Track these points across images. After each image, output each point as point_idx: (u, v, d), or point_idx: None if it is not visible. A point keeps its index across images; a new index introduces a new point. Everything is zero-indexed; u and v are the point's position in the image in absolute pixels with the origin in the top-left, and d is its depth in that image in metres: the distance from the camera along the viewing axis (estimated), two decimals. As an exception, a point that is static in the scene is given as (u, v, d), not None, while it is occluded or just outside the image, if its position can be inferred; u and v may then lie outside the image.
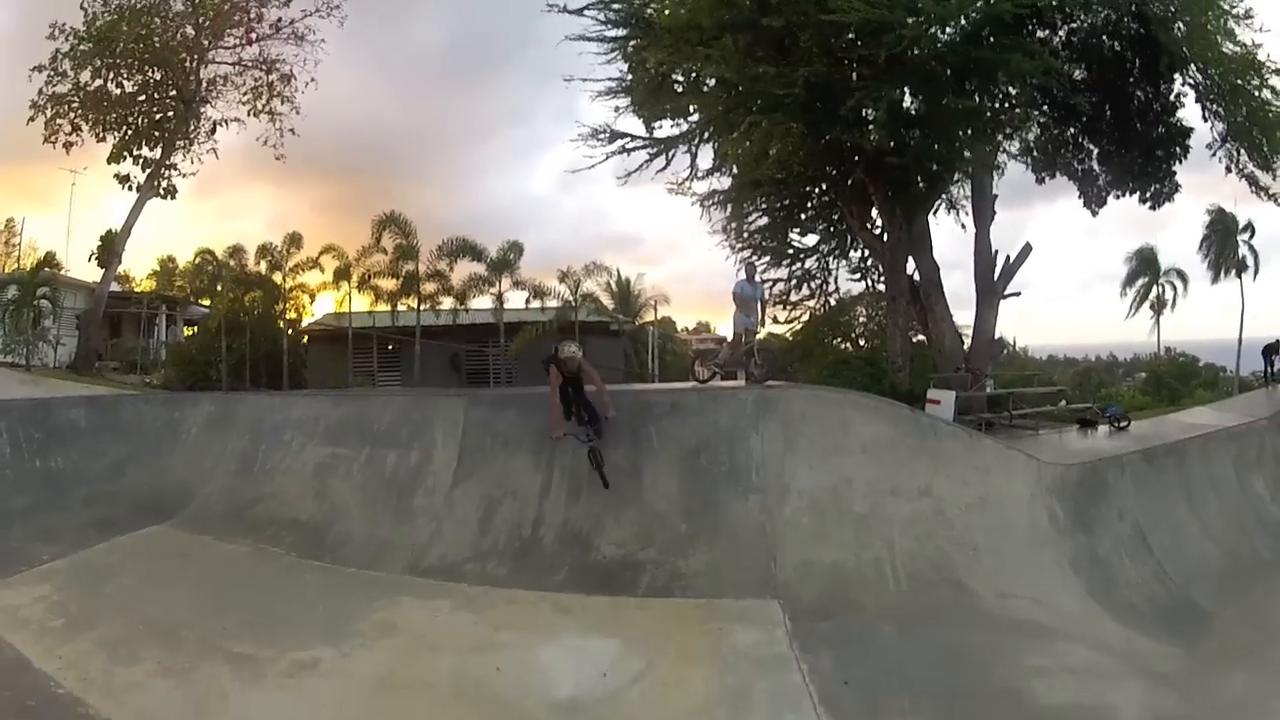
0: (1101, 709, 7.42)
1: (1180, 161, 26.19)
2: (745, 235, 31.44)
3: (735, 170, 28.74)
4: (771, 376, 14.90)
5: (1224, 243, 37.81)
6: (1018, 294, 27.51)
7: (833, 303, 32.74)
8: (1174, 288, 41.65)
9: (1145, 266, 41.68)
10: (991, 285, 26.95)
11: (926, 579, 10.23)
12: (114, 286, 38.36)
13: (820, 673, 7.63)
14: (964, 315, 28.14)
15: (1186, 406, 27.15)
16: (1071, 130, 26.29)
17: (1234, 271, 38.10)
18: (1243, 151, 25.90)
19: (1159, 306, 41.60)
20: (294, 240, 34.60)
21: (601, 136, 28.28)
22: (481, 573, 11.08)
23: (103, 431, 16.26)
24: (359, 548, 12.21)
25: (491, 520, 12.09)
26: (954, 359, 25.60)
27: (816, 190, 29.42)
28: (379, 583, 10.97)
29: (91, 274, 38.16)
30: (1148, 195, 26.99)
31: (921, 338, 29.07)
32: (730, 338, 16.40)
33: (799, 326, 33.19)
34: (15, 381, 26.56)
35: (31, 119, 35.82)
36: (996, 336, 28.15)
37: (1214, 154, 26.38)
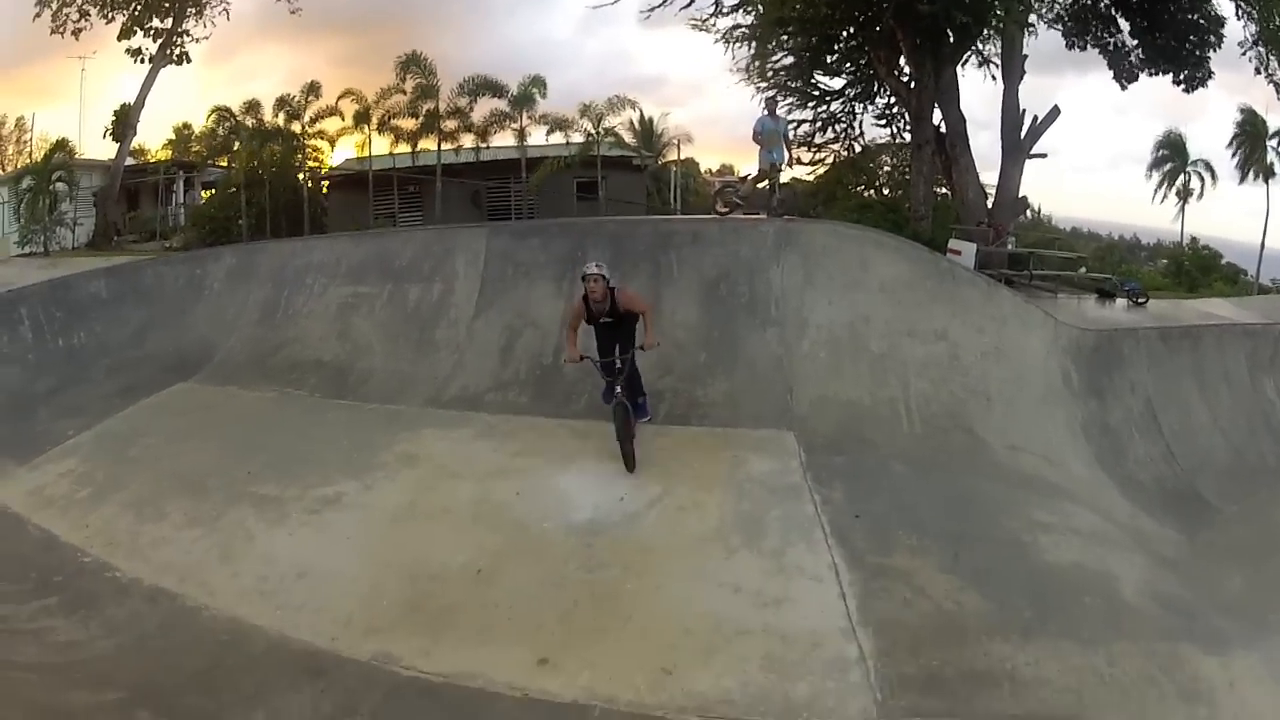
0: (1104, 575, 7.37)
1: (1214, 50, 25.73)
2: (770, 74, 30.65)
3: (760, 6, 28.02)
4: (790, 214, 14.70)
5: (1254, 145, 36.99)
6: (1044, 155, 27.16)
7: (857, 149, 31.97)
8: (1201, 179, 40.81)
9: (1174, 152, 40.77)
10: (1018, 143, 26.48)
11: (939, 424, 10.20)
12: (129, 160, 38.32)
13: (832, 504, 7.69)
14: (989, 176, 27.70)
15: (1205, 297, 26.74)
16: (1104, 2, 25.76)
17: (1261, 175, 37.44)
18: (1273, 58, 25.60)
19: (1185, 194, 40.87)
20: (312, 89, 34.15)
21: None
22: (502, 401, 11.22)
23: (124, 300, 16.27)
24: (381, 384, 12.35)
25: (513, 350, 12.20)
26: (976, 213, 25.30)
27: (844, 33, 28.57)
28: (401, 416, 11.08)
29: (106, 152, 38.05)
30: (1180, 77, 26.50)
31: (944, 190, 28.74)
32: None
33: (822, 171, 32.62)
34: (35, 268, 26.25)
35: (38, 15, 35.29)
36: (1020, 195, 27.73)
37: (1244, 53, 26.11)
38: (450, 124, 33.22)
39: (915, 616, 5.99)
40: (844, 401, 10.13)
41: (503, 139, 34.18)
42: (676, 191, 36.86)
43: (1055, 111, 26.81)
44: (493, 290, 13.01)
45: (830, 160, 32.20)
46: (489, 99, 33.36)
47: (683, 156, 38.05)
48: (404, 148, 33.69)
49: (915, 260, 12.22)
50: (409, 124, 33.30)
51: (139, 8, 35.39)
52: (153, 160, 45.27)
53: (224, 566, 7.46)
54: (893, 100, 29.65)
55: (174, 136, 57.63)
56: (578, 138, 33.53)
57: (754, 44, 29.49)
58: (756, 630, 5.71)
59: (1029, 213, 34.59)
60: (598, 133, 32.94)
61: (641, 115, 33.83)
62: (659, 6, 28.54)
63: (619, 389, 9.43)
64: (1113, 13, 26.09)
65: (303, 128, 34.26)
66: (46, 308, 15.99)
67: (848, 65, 29.88)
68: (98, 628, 6.62)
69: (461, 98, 33.19)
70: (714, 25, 29.04)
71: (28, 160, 47.91)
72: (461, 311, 13.00)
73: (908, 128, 28.85)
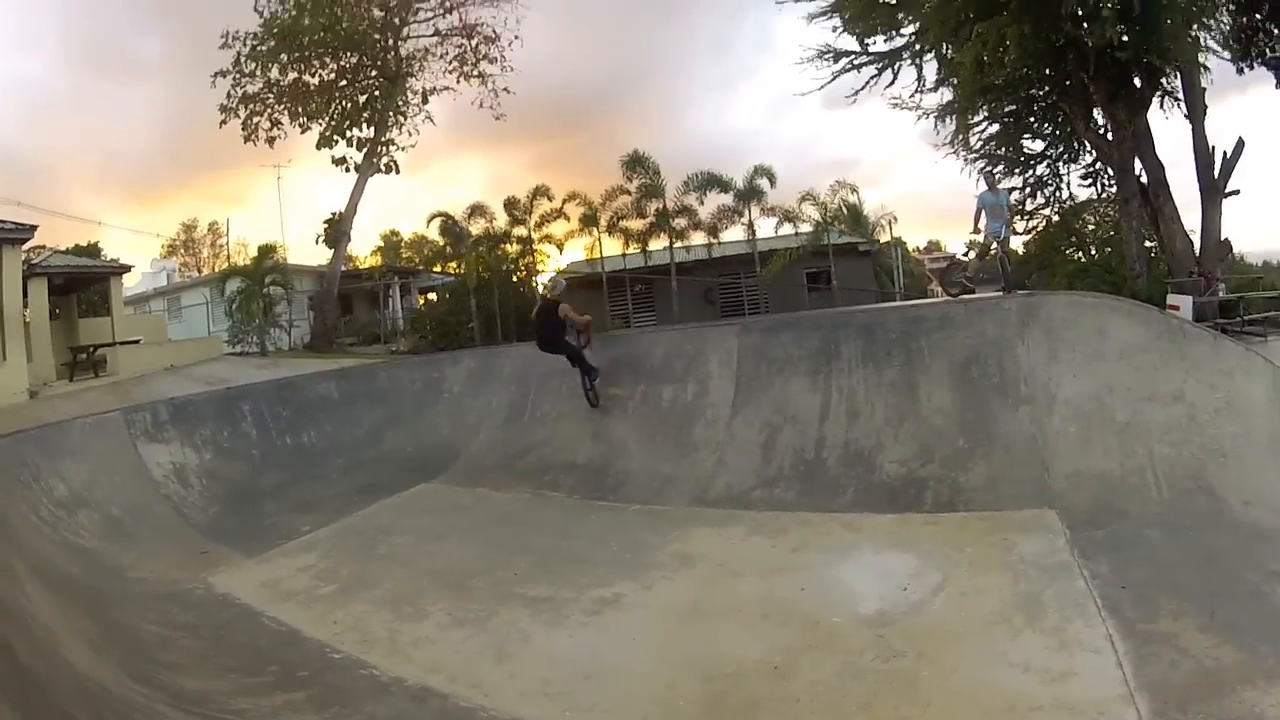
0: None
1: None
2: (977, 145, 30.48)
3: (956, 80, 27.76)
4: (1018, 287, 14.51)
5: None
6: (1236, 192, 25.99)
7: (1064, 209, 31.43)
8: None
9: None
10: (1213, 183, 25.60)
11: (1183, 486, 9.74)
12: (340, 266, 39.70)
13: (1100, 578, 7.54)
14: (1186, 218, 26.57)
15: None
16: (1259, 16, 24.91)
17: None
18: None
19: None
20: (538, 192, 34.71)
21: (826, 56, 28.19)
22: (769, 498, 11.19)
23: (357, 400, 16.91)
24: (642, 484, 12.40)
25: (774, 446, 12.18)
26: (1185, 263, 24.53)
27: (1039, 93, 28.35)
28: (667, 516, 11.10)
29: (311, 257, 39.80)
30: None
31: (1150, 243, 27.66)
32: (970, 253, 16.14)
33: (1032, 237, 32.06)
34: (252, 367, 27.79)
35: (224, 122, 37.68)
36: (1223, 238, 26.56)
37: None
38: (680, 222, 33.52)
39: (1181, 676, 5.86)
40: (1096, 474, 9.92)
41: (730, 234, 34.34)
42: (900, 274, 36.30)
43: (1241, 144, 25.85)
44: (748, 388, 13.13)
45: (1041, 225, 31.78)
46: (716, 193, 33.53)
47: (891, 236, 37.84)
48: (634, 248, 34.10)
49: (1147, 322, 11.79)
50: (637, 224, 33.82)
51: (337, 116, 37.28)
52: (363, 266, 47.03)
53: (500, 667, 7.34)
54: (1094, 157, 29.18)
55: (382, 243, 60.04)
56: (805, 227, 33.34)
57: (954, 117, 29.41)
58: (1047, 705, 5.64)
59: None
60: (826, 221, 32.76)
61: (844, 200, 33.62)
62: (862, 89, 28.77)
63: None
64: (1268, 26, 25.12)
65: (529, 231, 35.00)
66: (271, 405, 16.72)
67: (1047, 126, 29.59)
68: None
69: (688, 194, 33.44)
70: (918, 103, 29.14)
71: (225, 263, 50.31)
72: (718, 410, 13.13)
73: (1111, 183, 28.33)
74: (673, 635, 7.55)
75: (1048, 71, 25.94)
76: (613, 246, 35.59)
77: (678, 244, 33.77)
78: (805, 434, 12.06)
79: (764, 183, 33.18)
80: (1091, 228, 32.89)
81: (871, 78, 28.52)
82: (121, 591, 10.05)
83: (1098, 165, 29.21)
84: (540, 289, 13.66)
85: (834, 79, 28.55)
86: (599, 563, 9.52)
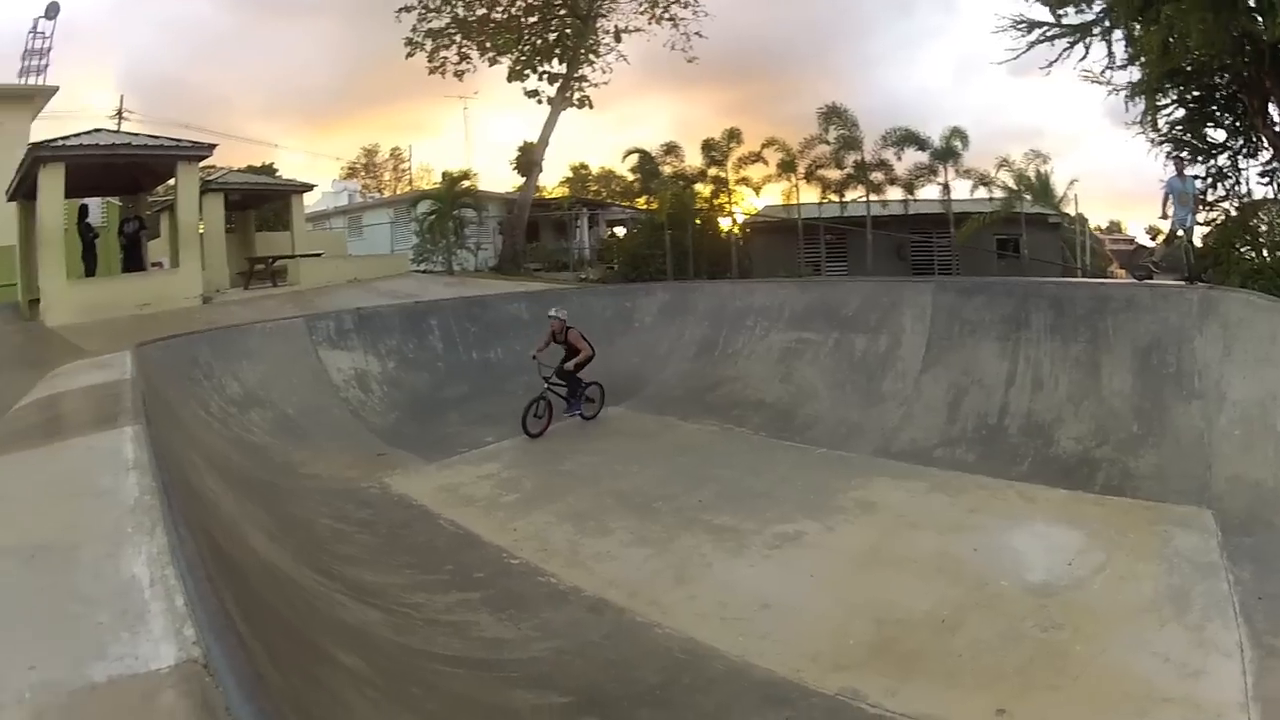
0: None
1: None
2: (1164, 129, 29.68)
3: (1143, 60, 27.07)
4: (1200, 279, 14.16)
5: None
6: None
7: (1242, 204, 29.62)
8: None
9: None
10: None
11: None
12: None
13: (1242, 584, 7.51)
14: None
15: None
16: None
17: None
18: None
19: None
20: (733, 135, 34.43)
21: (1020, 26, 27.72)
22: (950, 458, 11.27)
23: (546, 323, 16.94)
24: (829, 429, 12.55)
25: (959, 407, 12.24)
26: (1358, 273, 23.22)
27: (1220, 81, 27.47)
28: (851, 463, 11.26)
29: (497, 185, 40.56)
30: None
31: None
32: (1155, 238, 15.87)
33: (1210, 230, 31.10)
34: (440, 284, 28.25)
35: (410, 54, 37.89)
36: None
37: None
38: (877, 176, 32.88)
39: (1293, 693, 5.97)
40: (1252, 482, 9.66)
41: (925, 192, 33.68)
42: (1087, 251, 34.94)
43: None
44: (939, 346, 13.13)
45: (1220, 219, 30.88)
46: (913, 150, 32.85)
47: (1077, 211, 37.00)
48: (830, 198, 33.51)
49: (1319, 330, 11.54)
50: (835, 174, 33.18)
51: (527, 51, 37.43)
52: (549, 196, 47.72)
53: (679, 588, 7.61)
54: (1271, 154, 28.22)
55: (570, 175, 60.77)
56: (996, 193, 32.44)
57: (1144, 97, 28.72)
58: (1177, 699, 5.75)
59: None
60: (1018, 189, 31.72)
61: (1038, 170, 32.83)
62: (1055, 61, 28.27)
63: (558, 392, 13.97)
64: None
65: (726, 172, 34.67)
66: (460, 321, 17.32)
67: (1227, 117, 28.65)
68: (531, 629, 6.81)
69: (886, 149, 32.81)
70: (1108, 78, 28.54)
71: (408, 187, 51.28)
72: (908, 365, 13.18)
73: (1289, 180, 26.99)
74: (849, 577, 7.74)
75: (1228, 61, 25.21)
76: (807, 195, 34.94)
77: (873, 198, 33.07)
78: (990, 399, 12.08)
79: (959, 144, 32.39)
80: (1264, 229, 31.73)
81: (1064, 50, 28.01)
82: (294, 487, 10.64)
83: (1274, 164, 28.24)
84: (552, 315, 14.35)
85: (1029, 49, 28.11)
86: (783, 500, 9.72)
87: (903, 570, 7.85)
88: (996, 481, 10.33)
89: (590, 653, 6.37)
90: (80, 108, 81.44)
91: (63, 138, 21.89)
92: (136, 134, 26.81)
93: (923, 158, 32.86)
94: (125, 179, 25.69)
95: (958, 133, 32.57)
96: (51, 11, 35.53)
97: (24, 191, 23.20)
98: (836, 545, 8.48)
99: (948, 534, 8.68)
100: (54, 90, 33.23)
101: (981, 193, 32.61)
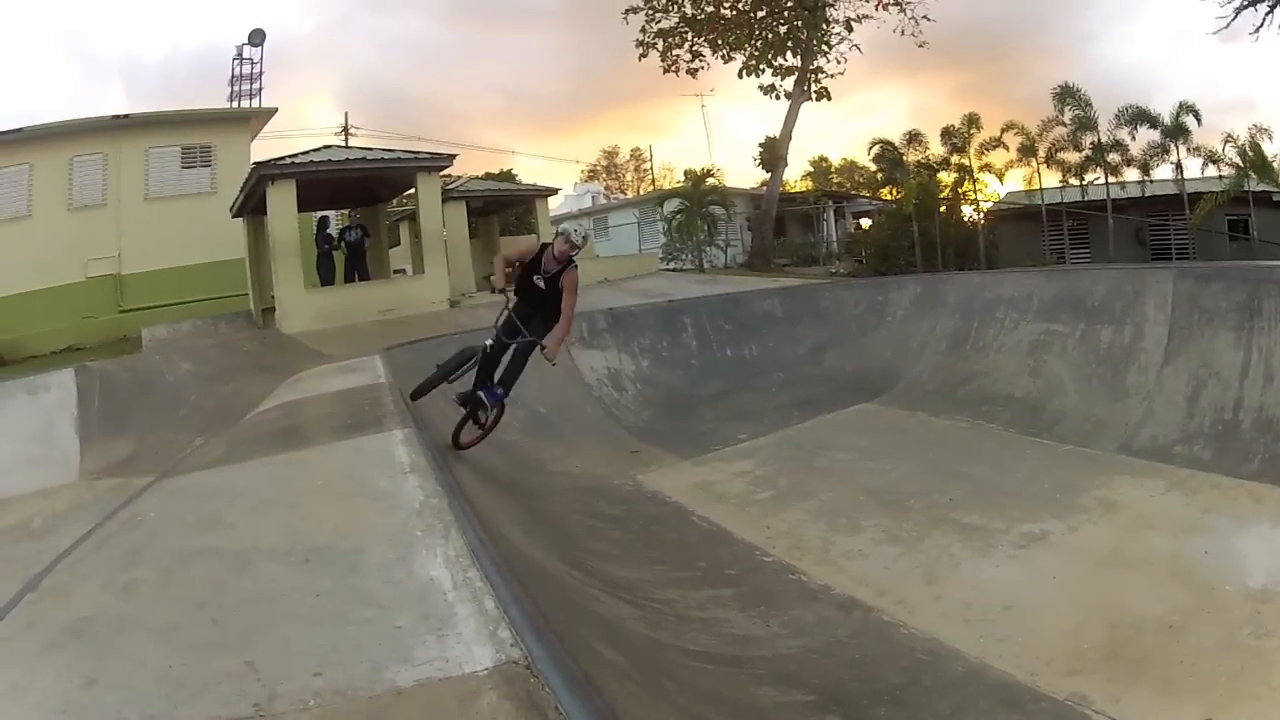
0: None
1: None
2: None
3: None
4: None
5: None
6: None
7: None
8: None
9: None
10: None
11: None
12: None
13: None
14: None
15: None
16: None
17: None
18: None
19: None
20: (973, 120, 34.23)
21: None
22: (1187, 455, 10.64)
23: (800, 318, 17.43)
24: (1074, 425, 12.09)
25: (1197, 401, 11.51)
26: None
27: None
28: (1094, 460, 10.87)
29: (741, 181, 41.02)
30: None
31: None
32: None
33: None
34: (691, 282, 28.73)
35: (643, 55, 39.26)
36: None
37: None
38: (1113, 157, 31.97)
39: None
40: None
41: (1158, 172, 32.42)
42: None
43: None
44: (1180, 337, 12.42)
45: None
46: (1144, 129, 31.74)
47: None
48: (1071, 181, 32.84)
49: None
50: (1073, 157, 32.53)
51: (759, 46, 37.88)
52: (793, 190, 48.04)
53: (927, 587, 7.52)
54: None
55: (811, 168, 60.99)
56: (1225, 170, 30.85)
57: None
58: None
59: None
60: (1247, 166, 29.87)
61: (1252, 143, 30.75)
62: (1261, 26, 26.99)
63: (495, 374, 9.85)
64: None
65: (969, 159, 34.45)
66: (714, 319, 17.43)
67: None
68: (779, 626, 6.78)
69: (1119, 129, 31.88)
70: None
71: (650, 187, 52.30)
72: (1151, 357, 12.51)
73: None
74: (1088, 579, 7.63)
75: None
76: (1048, 180, 34.19)
77: (1111, 180, 32.07)
78: (1226, 392, 11.33)
79: (1189, 120, 30.90)
80: None
81: (1268, 12, 26.64)
82: (546, 483, 10.90)
83: None
84: (556, 235, 9.69)
85: (1236, 16, 26.83)
86: (1031, 498, 9.55)
87: (1139, 572, 7.71)
88: (1229, 480, 9.80)
89: (836, 651, 6.40)
90: (299, 127, 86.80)
91: (290, 156, 23.26)
92: (370, 148, 28.26)
93: (1154, 136, 31.67)
94: (361, 192, 27.06)
95: (1188, 108, 31.15)
96: (256, 38, 38.46)
97: (250, 208, 24.92)
98: (1078, 545, 8.36)
99: (1182, 535, 8.44)
100: (272, 111, 34.91)
101: (1210, 171, 31.34)
